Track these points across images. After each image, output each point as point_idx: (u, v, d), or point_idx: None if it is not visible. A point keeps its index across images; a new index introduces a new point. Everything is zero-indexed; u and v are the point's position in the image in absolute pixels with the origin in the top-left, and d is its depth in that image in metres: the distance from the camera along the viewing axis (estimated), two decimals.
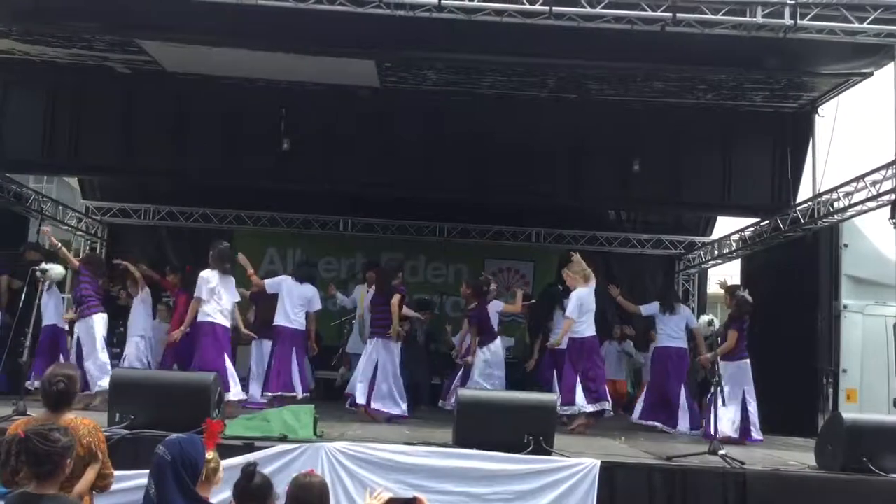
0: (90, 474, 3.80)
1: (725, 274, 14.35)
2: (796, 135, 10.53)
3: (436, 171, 10.62)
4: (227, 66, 9.48)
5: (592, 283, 8.39)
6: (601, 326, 9.10)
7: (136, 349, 9.10)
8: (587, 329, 8.29)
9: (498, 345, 9.04)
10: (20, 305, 6.90)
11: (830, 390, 9.59)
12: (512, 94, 10.05)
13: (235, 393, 7.79)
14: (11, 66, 10.05)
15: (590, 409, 8.13)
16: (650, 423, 9.08)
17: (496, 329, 9.13)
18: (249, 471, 3.59)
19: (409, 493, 5.56)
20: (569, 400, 8.09)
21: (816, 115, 10.19)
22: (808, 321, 9.84)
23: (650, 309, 9.43)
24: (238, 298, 8.24)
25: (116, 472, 4.90)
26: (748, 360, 8.40)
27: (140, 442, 5.45)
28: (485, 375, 8.77)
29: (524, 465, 5.75)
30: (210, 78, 9.95)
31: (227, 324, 7.97)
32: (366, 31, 7.81)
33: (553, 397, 6.62)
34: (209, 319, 7.82)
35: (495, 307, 9.21)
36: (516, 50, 8.18)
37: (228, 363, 7.82)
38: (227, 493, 3.74)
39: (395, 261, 10.42)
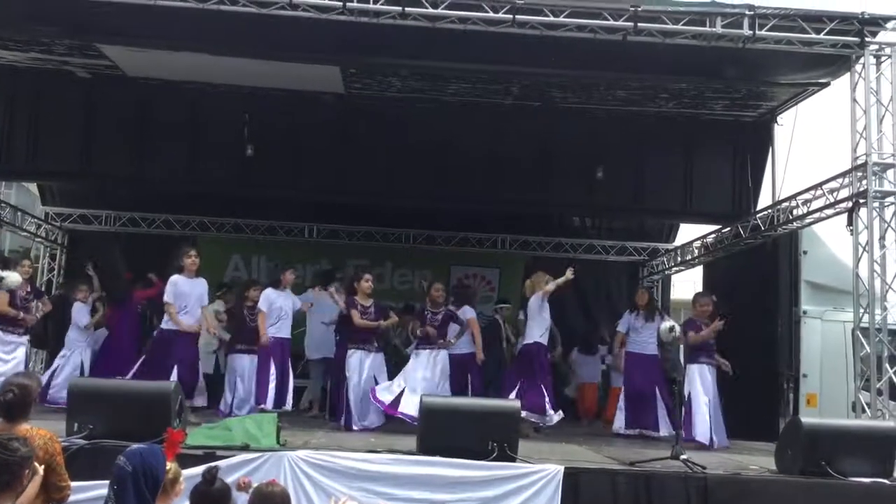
0: (31, 489, 3.71)
1: (688, 280, 14.61)
2: (756, 143, 10.73)
3: (400, 177, 10.62)
4: (190, 71, 9.41)
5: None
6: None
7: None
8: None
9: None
10: None
11: (791, 395, 9.72)
12: (476, 102, 10.11)
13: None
14: None
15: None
16: (634, 431, 9.07)
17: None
18: (211, 474, 3.56)
19: (372, 501, 5.58)
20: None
21: (775, 124, 10.40)
22: (768, 327, 9.98)
23: (623, 323, 9.49)
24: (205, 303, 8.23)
25: (74, 483, 4.81)
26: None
27: (99, 452, 5.34)
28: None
29: (488, 472, 5.74)
30: (172, 83, 9.88)
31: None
32: (330, 37, 7.82)
33: (516, 404, 6.61)
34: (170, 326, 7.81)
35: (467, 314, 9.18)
36: (480, 58, 8.23)
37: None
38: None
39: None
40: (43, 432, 3.83)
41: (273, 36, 7.91)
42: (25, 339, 8.14)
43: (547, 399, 8.46)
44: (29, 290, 8.21)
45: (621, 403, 9.30)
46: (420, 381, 8.32)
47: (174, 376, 7.40)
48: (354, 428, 8.05)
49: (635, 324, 9.32)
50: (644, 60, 8.13)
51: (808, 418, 6.69)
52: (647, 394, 9.08)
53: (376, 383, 8.21)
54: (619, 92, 9.60)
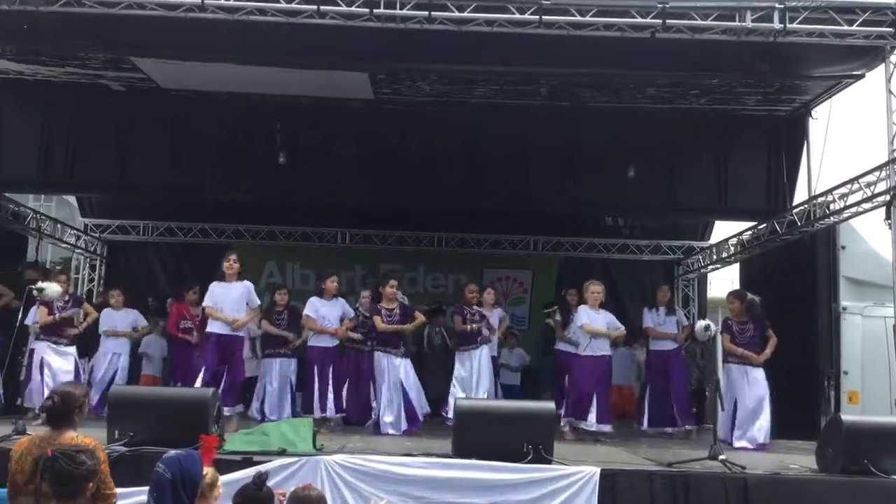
0: None
1: (725, 278, 14.45)
2: (790, 138, 10.57)
3: (431, 181, 10.63)
4: (222, 82, 9.52)
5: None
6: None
7: None
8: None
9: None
10: (17, 325, 6.90)
11: (832, 392, 9.57)
12: (505, 104, 10.08)
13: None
14: (6, 86, 10.10)
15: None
16: (660, 429, 9.11)
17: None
18: (262, 479, 3.60)
19: None
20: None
21: (810, 118, 10.22)
22: (807, 324, 9.84)
23: (648, 319, 9.49)
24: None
25: (118, 490, 4.93)
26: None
27: (140, 458, 5.43)
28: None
29: (523, 474, 5.71)
30: (205, 93, 9.99)
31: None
32: (357, 43, 7.86)
33: (551, 405, 6.59)
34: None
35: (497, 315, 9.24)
36: (508, 59, 8.23)
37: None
38: None
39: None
40: (89, 441, 3.87)
41: (302, 44, 8.00)
42: (73, 349, 8.26)
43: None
44: (66, 299, 8.33)
45: (647, 402, 9.33)
46: (465, 381, 8.41)
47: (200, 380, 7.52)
48: (389, 431, 8.08)
49: (658, 320, 9.30)
50: (673, 57, 8.07)
51: (848, 416, 6.58)
52: (669, 390, 9.12)
53: (403, 387, 8.21)
54: (649, 90, 9.51)
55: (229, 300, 8.02)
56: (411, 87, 9.69)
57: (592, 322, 8.53)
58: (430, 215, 12.44)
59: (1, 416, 7.48)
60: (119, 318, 9.53)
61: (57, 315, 8.02)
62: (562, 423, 8.44)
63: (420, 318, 8.77)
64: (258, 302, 8.35)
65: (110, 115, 10.51)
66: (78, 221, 13.44)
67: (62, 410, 3.84)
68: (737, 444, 8.01)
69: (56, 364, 7.99)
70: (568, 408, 8.58)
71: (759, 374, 8.28)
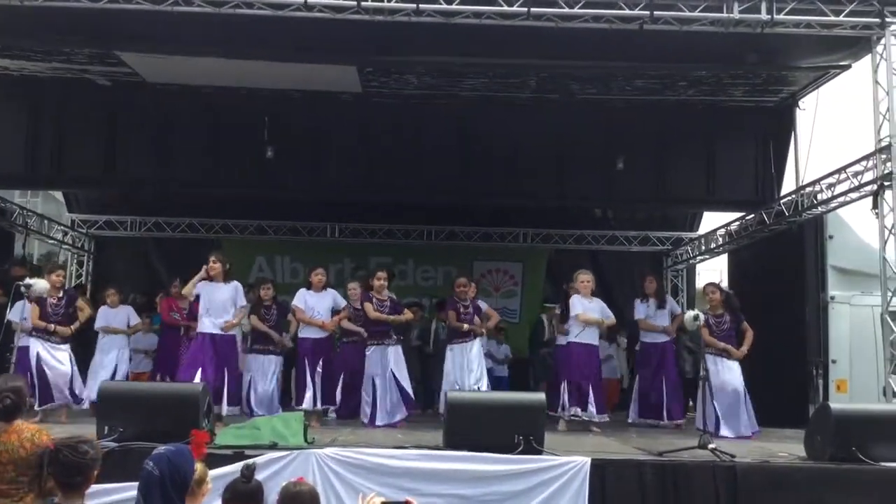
0: None
1: (714, 269, 14.50)
2: (778, 128, 10.62)
3: (420, 174, 10.63)
4: (208, 75, 9.47)
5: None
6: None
7: None
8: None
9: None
10: (5, 321, 6.86)
11: (820, 381, 9.62)
12: (494, 96, 10.09)
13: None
14: None
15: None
16: (648, 421, 9.10)
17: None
18: (250, 471, 3.58)
19: (401, 497, 5.60)
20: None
21: (797, 108, 10.27)
22: (796, 313, 9.87)
23: (640, 311, 9.45)
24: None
25: (107, 486, 4.94)
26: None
27: (129, 454, 5.42)
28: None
29: (515, 466, 5.73)
30: (191, 87, 9.94)
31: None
32: (345, 36, 7.85)
33: (541, 396, 6.60)
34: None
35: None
36: (496, 52, 8.22)
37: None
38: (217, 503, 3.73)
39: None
40: (32, 427, 3.92)
41: (289, 37, 7.97)
42: (66, 346, 8.19)
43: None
44: (61, 296, 8.28)
45: (635, 394, 9.33)
46: (457, 374, 8.40)
47: (198, 378, 7.46)
48: (378, 424, 8.09)
49: (649, 312, 9.29)
50: (661, 49, 8.10)
51: (837, 404, 6.63)
52: (659, 382, 9.09)
53: (395, 377, 8.21)
54: (638, 81, 9.54)
55: (218, 301, 8.00)
56: (399, 81, 9.68)
57: (587, 311, 8.54)
58: (419, 208, 12.42)
59: None
60: (113, 315, 9.51)
61: (53, 327, 7.96)
62: (563, 414, 8.50)
63: (409, 314, 8.79)
64: (244, 303, 8.35)
65: (97, 109, 10.48)
66: (65, 217, 13.37)
67: (18, 404, 3.91)
68: (722, 433, 8.06)
69: (51, 361, 7.94)
70: (568, 397, 8.57)
71: (733, 365, 8.35)
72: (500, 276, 13.50)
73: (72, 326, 8.21)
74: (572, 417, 8.40)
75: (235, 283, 8.24)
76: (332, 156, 10.52)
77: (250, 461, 3.82)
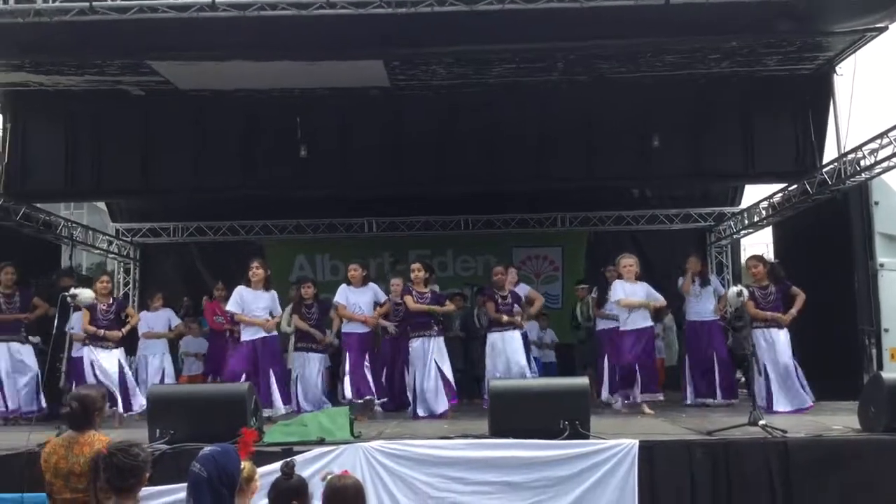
0: None
1: (760, 242, 14.27)
2: (816, 96, 10.37)
3: (453, 164, 10.58)
4: (239, 80, 9.56)
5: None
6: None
7: None
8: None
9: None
10: (54, 331, 7.00)
11: (873, 351, 9.43)
12: (522, 82, 10.00)
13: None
14: (28, 97, 10.28)
15: None
16: (702, 400, 8.95)
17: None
18: (290, 468, 3.62)
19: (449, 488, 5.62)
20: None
21: (835, 75, 10.01)
22: (845, 283, 9.70)
23: (617, 292, 9.16)
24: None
25: (160, 488, 5.04)
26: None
27: (181, 456, 5.51)
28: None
29: (561, 451, 5.70)
30: (223, 92, 10.06)
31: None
32: (370, 31, 7.84)
33: (584, 380, 6.56)
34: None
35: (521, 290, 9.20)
36: (522, 37, 8.14)
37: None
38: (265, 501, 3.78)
39: None
40: (103, 438, 3.99)
41: (314, 36, 7.99)
42: (119, 350, 8.30)
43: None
44: (111, 303, 8.43)
45: (688, 375, 9.14)
46: (499, 362, 8.37)
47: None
48: (422, 415, 8.12)
49: (693, 291, 9.13)
50: (690, 22, 7.92)
51: (890, 373, 6.47)
52: (710, 361, 8.95)
53: (439, 368, 8.23)
54: (668, 57, 9.37)
55: (256, 309, 8.12)
56: (427, 72, 9.65)
57: (630, 295, 8.45)
58: (455, 198, 12.40)
59: (42, 422, 7.61)
60: (153, 319, 9.68)
61: (102, 332, 8.10)
62: (612, 399, 8.43)
63: (451, 306, 8.78)
64: (279, 311, 8.46)
65: (132, 119, 10.61)
66: (109, 227, 13.63)
67: (81, 413, 4.01)
68: (777, 408, 7.93)
69: (104, 363, 8.09)
70: (614, 383, 8.53)
71: (783, 337, 8.20)
72: (540, 262, 13.45)
73: (122, 329, 8.36)
74: (624, 402, 8.37)
75: (273, 292, 8.35)
76: (364, 151, 10.53)
77: (290, 459, 3.86)
